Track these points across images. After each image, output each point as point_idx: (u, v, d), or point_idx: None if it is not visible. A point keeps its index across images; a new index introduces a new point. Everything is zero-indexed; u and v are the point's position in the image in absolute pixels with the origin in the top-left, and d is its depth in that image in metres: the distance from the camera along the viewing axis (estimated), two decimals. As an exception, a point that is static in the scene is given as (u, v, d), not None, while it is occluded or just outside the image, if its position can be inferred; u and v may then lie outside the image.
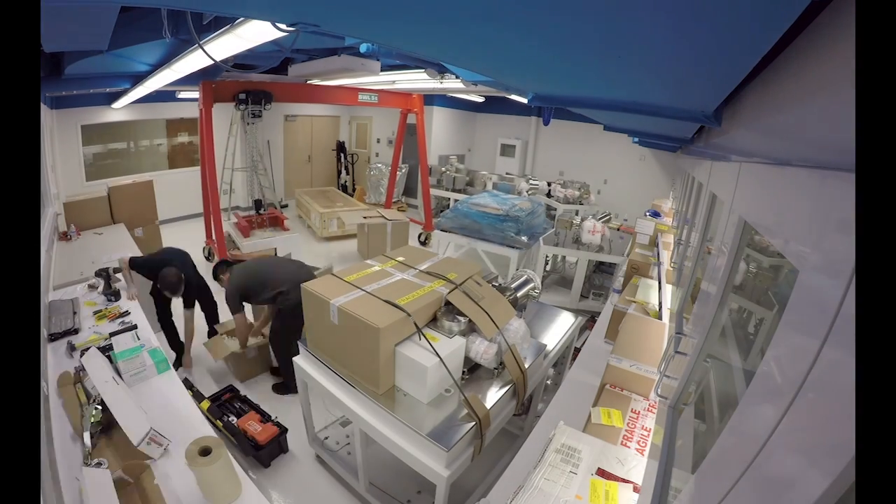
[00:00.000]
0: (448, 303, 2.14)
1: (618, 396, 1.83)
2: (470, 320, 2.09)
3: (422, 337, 1.99)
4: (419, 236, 7.30)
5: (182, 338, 3.48)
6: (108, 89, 5.19)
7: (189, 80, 4.22)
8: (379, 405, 1.94)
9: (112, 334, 2.30)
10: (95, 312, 2.60)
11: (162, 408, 1.88)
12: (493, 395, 2.04)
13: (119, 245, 4.21)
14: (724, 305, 1.20)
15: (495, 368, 2.13)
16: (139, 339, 2.25)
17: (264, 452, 2.62)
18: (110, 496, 1.31)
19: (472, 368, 2.16)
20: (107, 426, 1.68)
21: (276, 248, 5.53)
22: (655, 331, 2.29)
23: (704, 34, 0.60)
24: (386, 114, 9.86)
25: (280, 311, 3.07)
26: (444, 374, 1.95)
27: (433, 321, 2.14)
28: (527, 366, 2.17)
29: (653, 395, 1.76)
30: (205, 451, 1.45)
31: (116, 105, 6.11)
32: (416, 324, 1.99)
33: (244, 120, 5.42)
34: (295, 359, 2.41)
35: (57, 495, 1.41)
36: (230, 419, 2.77)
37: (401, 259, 2.53)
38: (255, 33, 2.02)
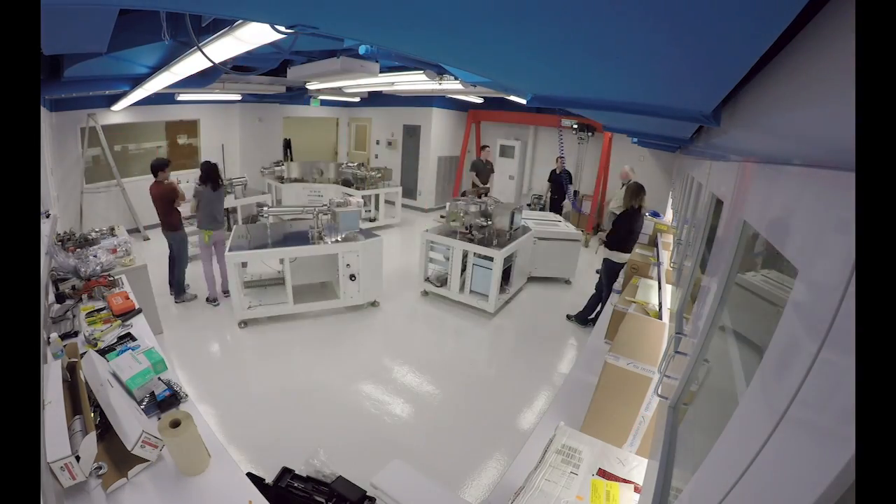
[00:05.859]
0: None
1: (618, 395, 1.83)
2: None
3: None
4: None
5: None
6: (107, 92, 5.18)
7: (188, 83, 4.22)
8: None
9: (119, 338, 2.29)
10: (88, 315, 2.58)
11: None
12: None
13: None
14: (724, 305, 1.20)
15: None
16: (135, 339, 2.24)
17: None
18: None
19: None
20: (104, 430, 1.67)
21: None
22: (655, 331, 2.29)
23: (702, 34, 0.60)
24: (385, 115, 9.86)
25: None
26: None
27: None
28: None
29: (653, 394, 1.76)
30: (175, 424, 1.53)
31: (116, 107, 6.11)
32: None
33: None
34: None
35: (57, 496, 1.40)
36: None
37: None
38: (254, 35, 2.01)
